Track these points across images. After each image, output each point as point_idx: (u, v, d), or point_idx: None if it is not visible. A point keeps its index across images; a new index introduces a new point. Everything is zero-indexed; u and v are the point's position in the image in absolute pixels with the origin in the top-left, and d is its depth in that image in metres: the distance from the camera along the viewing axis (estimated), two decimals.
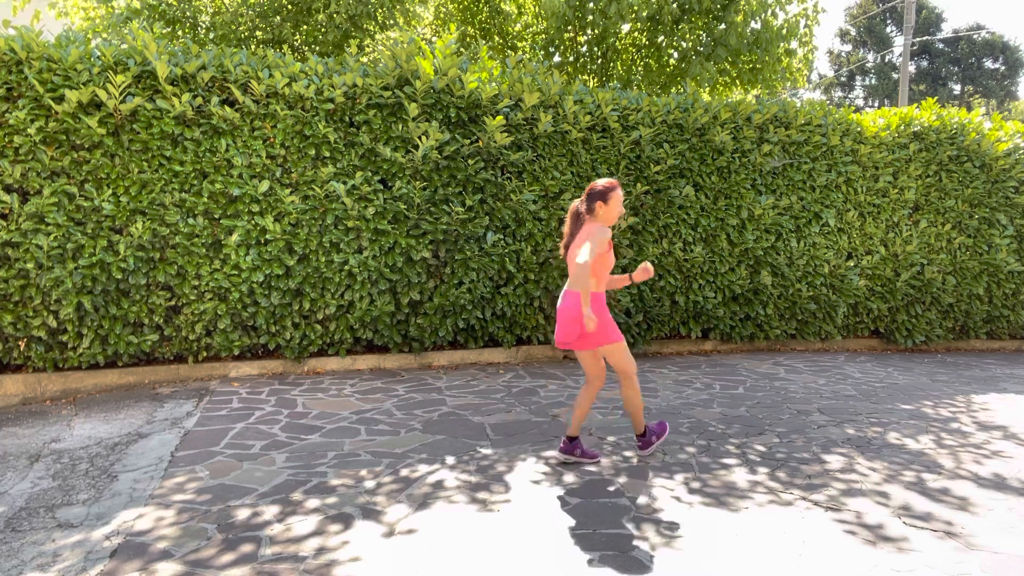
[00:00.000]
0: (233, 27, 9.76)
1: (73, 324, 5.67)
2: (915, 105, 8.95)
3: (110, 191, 5.66)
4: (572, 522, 3.41)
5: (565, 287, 4.08)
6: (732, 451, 4.51)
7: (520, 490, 3.80)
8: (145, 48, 5.78)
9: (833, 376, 6.92)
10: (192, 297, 5.97)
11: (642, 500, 3.69)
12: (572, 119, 7.06)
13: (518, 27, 12.28)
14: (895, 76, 35.15)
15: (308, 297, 6.29)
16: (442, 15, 12.36)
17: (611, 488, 3.84)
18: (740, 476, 4.07)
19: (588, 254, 3.71)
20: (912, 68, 35.92)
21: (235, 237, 5.95)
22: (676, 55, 11.45)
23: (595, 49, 11.41)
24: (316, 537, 3.22)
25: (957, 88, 37.51)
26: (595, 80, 11.68)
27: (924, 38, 34.58)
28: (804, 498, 3.77)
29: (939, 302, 8.85)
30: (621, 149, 7.34)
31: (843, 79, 38.76)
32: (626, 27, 11.30)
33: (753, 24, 10.92)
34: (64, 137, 5.56)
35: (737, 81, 12.06)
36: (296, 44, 10.40)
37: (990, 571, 3.02)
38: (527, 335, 7.20)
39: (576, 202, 4.09)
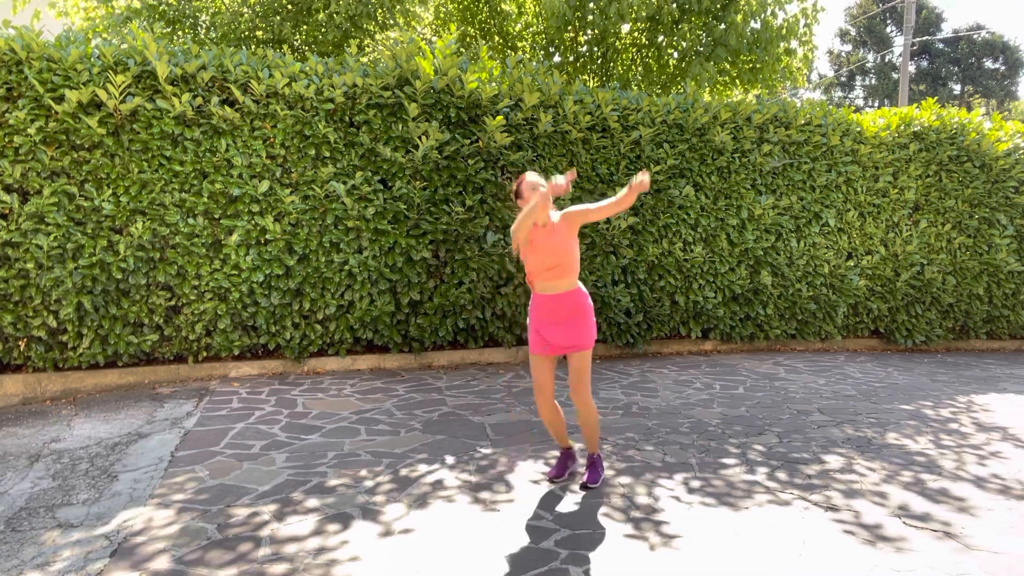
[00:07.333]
0: (233, 27, 9.77)
1: (73, 324, 5.67)
2: (915, 105, 8.95)
3: (110, 191, 5.66)
4: (572, 522, 3.41)
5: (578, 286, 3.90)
6: (732, 451, 4.51)
7: (520, 490, 3.80)
8: (145, 48, 5.78)
9: (833, 376, 6.92)
10: (192, 297, 5.97)
11: (642, 500, 3.69)
12: (572, 119, 7.06)
13: (518, 27, 12.27)
14: (895, 76, 35.14)
15: (308, 297, 6.29)
16: (442, 15, 12.35)
17: (611, 488, 3.84)
18: (740, 476, 4.07)
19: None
20: (912, 68, 35.92)
21: (235, 237, 5.95)
22: (676, 55, 11.45)
23: (595, 49, 11.40)
24: (316, 537, 3.22)
25: (957, 88, 37.48)
26: (595, 80, 11.68)
27: (924, 38, 34.57)
28: (804, 498, 3.77)
29: (939, 302, 8.85)
30: (621, 149, 7.34)
31: (843, 79, 38.75)
32: (626, 27, 11.30)
33: (753, 24, 10.91)
34: (64, 137, 5.56)
35: (737, 81, 12.05)
36: (296, 44, 10.40)
37: (990, 571, 3.02)
38: (527, 335, 7.18)
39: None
